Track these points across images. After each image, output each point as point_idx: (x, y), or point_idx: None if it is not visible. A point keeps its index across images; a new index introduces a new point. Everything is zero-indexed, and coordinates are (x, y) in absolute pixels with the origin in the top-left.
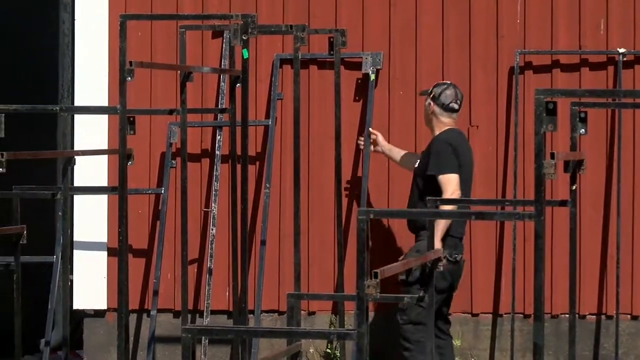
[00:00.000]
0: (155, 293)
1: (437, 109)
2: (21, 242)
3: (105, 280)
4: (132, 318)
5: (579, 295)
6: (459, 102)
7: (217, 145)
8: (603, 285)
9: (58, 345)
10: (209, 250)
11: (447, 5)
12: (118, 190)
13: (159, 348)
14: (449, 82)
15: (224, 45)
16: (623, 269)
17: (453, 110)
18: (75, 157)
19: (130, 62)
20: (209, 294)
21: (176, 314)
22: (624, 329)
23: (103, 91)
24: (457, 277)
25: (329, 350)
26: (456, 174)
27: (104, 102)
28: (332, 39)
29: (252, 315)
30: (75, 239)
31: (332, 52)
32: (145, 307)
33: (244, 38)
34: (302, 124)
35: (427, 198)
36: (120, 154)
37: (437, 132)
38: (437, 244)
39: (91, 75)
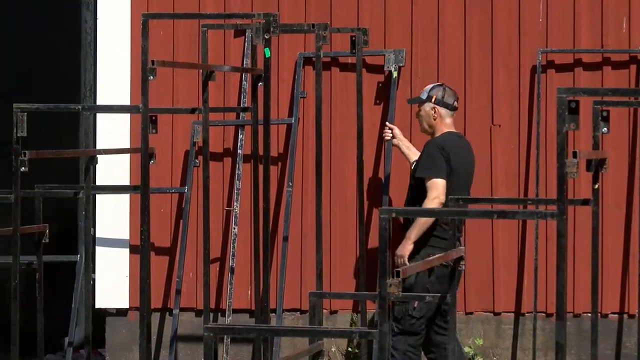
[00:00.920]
0: (178, 292)
1: (443, 111)
2: (43, 241)
3: (127, 279)
4: (155, 317)
5: (601, 294)
6: (457, 98)
7: (239, 144)
8: (625, 284)
9: (81, 344)
10: (231, 249)
11: (469, 3)
12: (140, 190)
13: (181, 347)
14: (438, 82)
15: (245, 44)
16: None
17: (455, 109)
18: (98, 156)
19: (153, 61)
20: (231, 292)
21: (198, 313)
22: None
23: (125, 90)
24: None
25: (350, 349)
26: (442, 179)
27: (126, 101)
28: (354, 38)
29: (274, 314)
30: (97, 237)
31: (354, 51)
32: (168, 306)
33: (266, 37)
34: (324, 122)
35: (450, 197)
36: (142, 153)
37: (437, 134)
38: (408, 244)
39: (113, 74)
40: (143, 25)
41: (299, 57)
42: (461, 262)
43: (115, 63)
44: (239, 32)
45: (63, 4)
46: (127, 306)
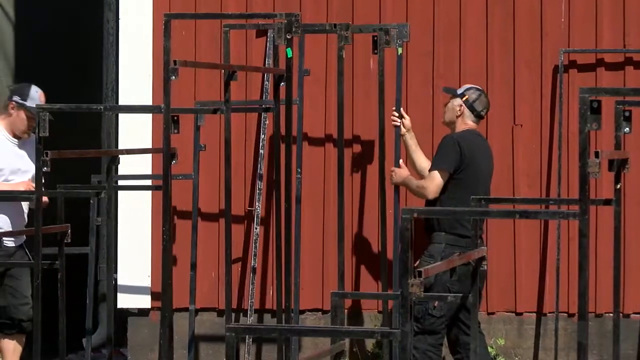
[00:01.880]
0: (192, 289)
1: (466, 112)
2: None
3: (149, 279)
4: (177, 317)
5: (623, 294)
6: (487, 110)
7: (260, 144)
8: None
9: (102, 344)
10: (253, 249)
11: (491, 3)
12: (162, 189)
13: (203, 347)
14: (480, 87)
15: (267, 44)
16: None
17: (480, 117)
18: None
19: (175, 61)
20: (252, 292)
21: (220, 313)
22: None
23: (147, 90)
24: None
25: (371, 349)
26: (445, 173)
27: (148, 101)
28: (376, 38)
29: (301, 314)
30: (119, 237)
31: (376, 51)
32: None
33: (288, 37)
34: (346, 122)
35: (472, 197)
36: (164, 153)
37: (456, 131)
38: (406, 174)
39: (135, 74)
40: (165, 25)
41: None
42: (483, 262)
43: (137, 63)
44: (261, 32)
45: (84, 4)
46: (149, 306)
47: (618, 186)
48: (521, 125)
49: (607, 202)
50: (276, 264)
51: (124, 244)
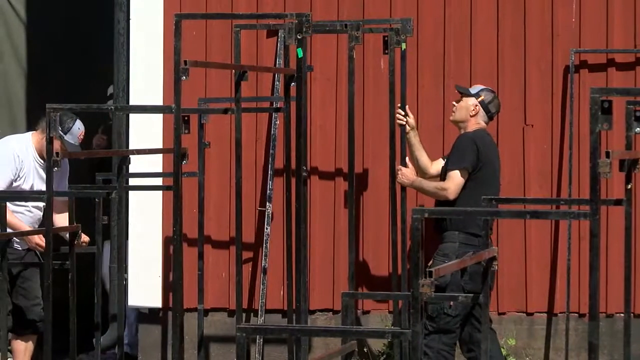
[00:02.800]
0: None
1: (481, 112)
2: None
3: (160, 279)
4: (188, 316)
5: (634, 294)
6: (497, 113)
7: (271, 144)
8: None
9: (113, 344)
10: (264, 249)
11: (502, 3)
12: (173, 189)
13: (214, 347)
14: (492, 89)
15: (278, 44)
16: None
17: (491, 119)
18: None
19: (185, 61)
20: (263, 293)
21: (231, 313)
22: None
23: (158, 90)
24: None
25: (382, 349)
26: (465, 172)
27: (159, 101)
28: (386, 38)
29: (310, 315)
30: (130, 237)
31: (386, 51)
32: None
33: (299, 37)
34: (357, 121)
35: (482, 197)
36: (175, 153)
37: (467, 130)
38: (413, 177)
39: (146, 75)
40: (176, 25)
41: None
42: (494, 262)
43: (148, 63)
44: (272, 32)
45: (95, 5)
46: (160, 306)
47: (629, 186)
48: (532, 126)
49: (617, 202)
50: (287, 264)
51: (135, 243)
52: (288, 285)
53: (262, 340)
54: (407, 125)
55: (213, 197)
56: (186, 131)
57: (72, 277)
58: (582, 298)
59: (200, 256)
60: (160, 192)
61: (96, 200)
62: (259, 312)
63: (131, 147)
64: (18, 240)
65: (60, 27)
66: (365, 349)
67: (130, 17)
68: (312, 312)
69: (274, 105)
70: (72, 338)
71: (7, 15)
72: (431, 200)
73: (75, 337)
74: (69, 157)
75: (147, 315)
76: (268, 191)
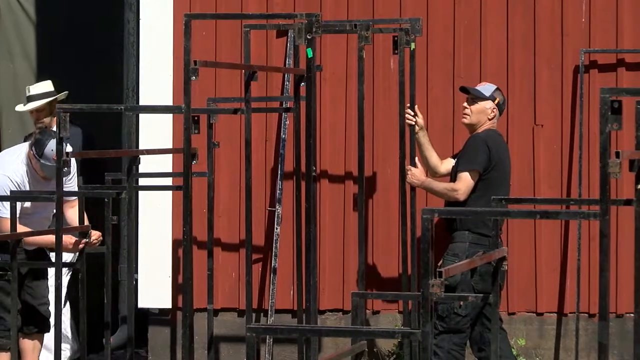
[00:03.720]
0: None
1: (497, 113)
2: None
3: (170, 279)
4: (198, 317)
5: None
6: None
7: (281, 144)
8: None
9: (123, 344)
10: (274, 249)
11: (511, 3)
12: (183, 190)
13: (224, 347)
14: (496, 86)
15: (288, 44)
16: None
17: (500, 116)
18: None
19: (195, 62)
20: (273, 293)
21: (241, 313)
22: None
23: (168, 90)
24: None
25: (392, 349)
26: (476, 173)
27: (169, 101)
28: (396, 38)
29: (320, 315)
30: (139, 237)
31: (396, 51)
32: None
33: (309, 37)
34: (367, 121)
35: (493, 197)
36: (185, 153)
37: (479, 131)
38: (424, 178)
39: (156, 75)
40: (185, 25)
41: None
42: (504, 262)
43: (158, 63)
44: (282, 32)
45: (105, 5)
46: (170, 306)
47: (639, 186)
48: (542, 126)
49: (627, 202)
50: (297, 264)
51: (145, 243)
52: (298, 285)
53: (272, 340)
54: (416, 125)
55: (223, 197)
56: (196, 131)
57: (82, 277)
58: (592, 298)
59: (210, 256)
60: (170, 192)
61: (105, 200)
62: (269, 312)
63: (141, 147)
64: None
65: (69, 27)
66: (375, 349)
67: (140, 17)
68: (322, 312)
69: (284, 105)
70: (83, 338)
71: (17, 15)
72: (440, 200)
73: (86, 337)
74: (79, 157)
75: (157, 316)
76: (278, 191)
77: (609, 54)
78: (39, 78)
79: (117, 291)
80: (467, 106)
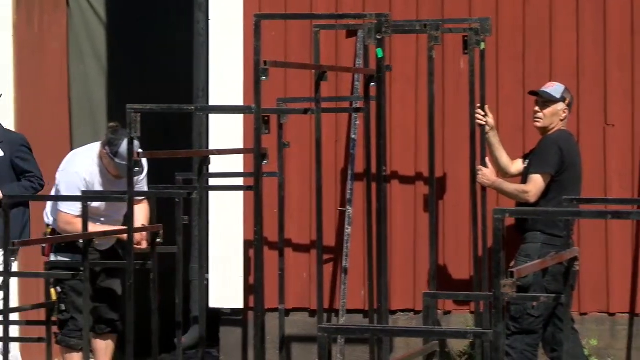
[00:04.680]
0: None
1: (568, 113)
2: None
3: (241, 279)
4: (269, 317)
5: None
6: None
7: (351, 144)
8: None
9: (195, 344)
10: (345, 249)
11: (581, 2)
12: (254, 190)
13: (295, 347)
14: (562, 84)
15: (357, 44)
16: None
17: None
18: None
19: (265, 62)
20: (344, 293)
21: (312, 313)
22: None
23: (238, 90)
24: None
25: (464, 350)
26: (547, 175)
27: (239, 102)
28: (466, 38)
29: (392, 315)
30: (210, 237)
31: (466, 52)
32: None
33: (378, 37)
34: (436, 122)
35: (564, 197)
36: (255, 154)
37: (551, 132)
38: (495, 178)
39: (226, 75)
40: (255, 26)
41: None
42: (575, 263)
43: (228, 63)
44: (351, 32)
45: (175, 5)
46: (242, 306)
47: None
48: (613, 125)
49: None
50: (367, 264)
51: (216, 243)
52: (369, 285)
53: (343, 340)
54: (486, 125)
55: (293, 197)
56: (266, 131)
57: (154, 277)
58: None
59: (281, 256)
60: (240, 193)
61: (176, 200)
62: (340, 312)
63: (211, 147)
64: (98, 242)
65: (139, 27)
66: (446, 350)
67: (210, 18)
68: (394, 312)
69: (354, 106)
70: (155, 337)
71: (87, 15)
72: (511, 200)
73: (157, 337)
74: (149, 157)
75: (229, 316)
76: (348, 191)
77: None
78: (110, 78)
79: (188, 291)
80: (539, 110)
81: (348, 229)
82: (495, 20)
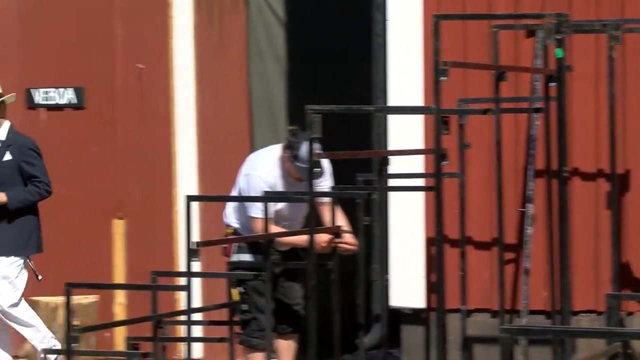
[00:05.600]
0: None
1: None
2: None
3: (423, 279)
4: (450, 317)
5: None
6: None
7: (531, 144)
8: None
9: (377, 344)
10: (525, 250)
11: None
12: (434, 190)
13: (477, 348)
14: None
15: (537, 44)
16: None
17: None
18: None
19: (445, 62)
20: (526, 293)
21: (494, 314)
22: None
23: (417, 91)
24: None
25: None
26: None
27: (418, 102)
28: None
29: (574, 316)
30: (390, 237)
31: None
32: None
33: (558, 37)
34: (617, 122)
35: None
36: (435, 154)
37: None
38: None
39: (405, 75)
40: (434, 26)
41: None
42: None
43: (407, 64)
44: (530, 32)
45: (352, 6)
46: (423, 306)
47: None
48: None
49: None
50: (549, 264)
51: (397, 243)
52: (550, 286)
53: (526, 341)
54: None
55: (473, 197)
56: (446, 132)
57: (335, 277)
58: None
59: (462, 256)
60: (421, 193)
61: (357, 201)
62: (522, 313)
63: (390, 147)
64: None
65: (318, 27)
66: (629, 351)
67: (388, 18)
68: (575, 313)
69: (533, 106)
70: (336, 338)
71: (267, 16)
72: None
73: (339, 338)
74: (329, 158)
75: (410, 316)
76: (528, 192)
77: None
78: (289, 79)
79: (370, 291)
80: None
81: (529, 230)
82: None
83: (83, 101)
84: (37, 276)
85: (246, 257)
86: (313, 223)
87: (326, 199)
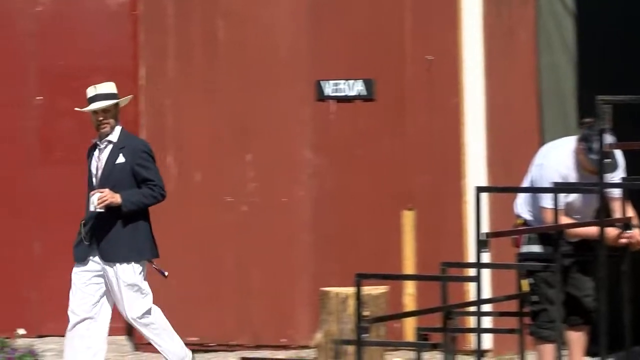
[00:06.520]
0: None
1: None
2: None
3: None
4: None
5: None
6: None
7: None
8: None
9: None
10: None
11: None
12: None
13: None
14: None
15: None
16: None
17: None
18: None
19: None
20: None
21: None
22: None
23: None
24: None
25: None
26: None
27: None
28: None
29: None
30: None
31: None
32: None
33: None
34: None
35: None
36: None
37: None
38: None
39: None
40: None
41: None
42: None
43: None
44: None
45: None
46: None
47: None
48: None
49: None
50: None
51: None
52: None
53: None
54: None
55: None
56: None
57: (625, 268)
58: None
59: None
60: None
61: None
62: None
63: None
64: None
65: (611, 19)
66: None
67: None
68: None
69: None
70: (627, 329)
71: (555, 6)
72: None
73: (630, 329)
74: (621, 149)
75: None
76: None
77: None
78: (579, 70)
79: None
80: None
81: None
82: None
83: (373, 93)
84: (163, 274)
85: (536, 249)
86: (603, 215)
87: (617, 194)
